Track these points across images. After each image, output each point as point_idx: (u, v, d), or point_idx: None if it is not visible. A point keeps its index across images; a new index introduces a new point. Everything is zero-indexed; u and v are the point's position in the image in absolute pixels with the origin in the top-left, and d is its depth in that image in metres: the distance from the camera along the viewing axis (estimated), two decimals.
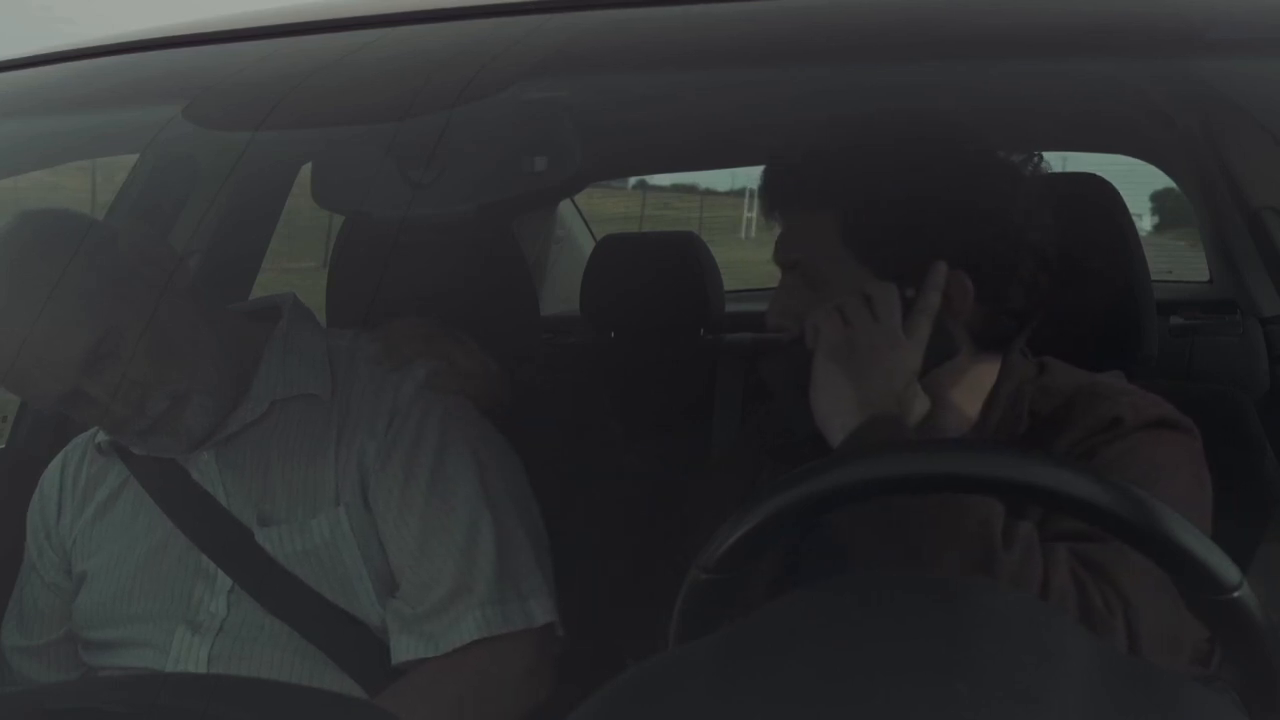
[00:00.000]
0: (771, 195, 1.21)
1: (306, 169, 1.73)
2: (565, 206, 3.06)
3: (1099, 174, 1.43)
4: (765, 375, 1.16)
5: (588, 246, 2.82)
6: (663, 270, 2.25)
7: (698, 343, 2.34)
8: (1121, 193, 1.40)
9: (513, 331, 1.62)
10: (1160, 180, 2.62)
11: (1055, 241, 1.15)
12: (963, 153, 1.16)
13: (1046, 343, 1.20)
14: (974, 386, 1.16)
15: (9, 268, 1.28)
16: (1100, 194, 1.39)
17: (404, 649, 1.25)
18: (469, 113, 1.22)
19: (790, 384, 1.12)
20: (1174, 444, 1.09)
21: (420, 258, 1.53)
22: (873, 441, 1.03)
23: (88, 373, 1.24)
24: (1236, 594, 0.76)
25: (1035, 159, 1.18)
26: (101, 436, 1.38)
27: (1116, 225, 1.38)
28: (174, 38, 1.40)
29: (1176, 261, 3.24)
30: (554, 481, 1.39)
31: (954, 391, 1.15)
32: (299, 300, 1.43)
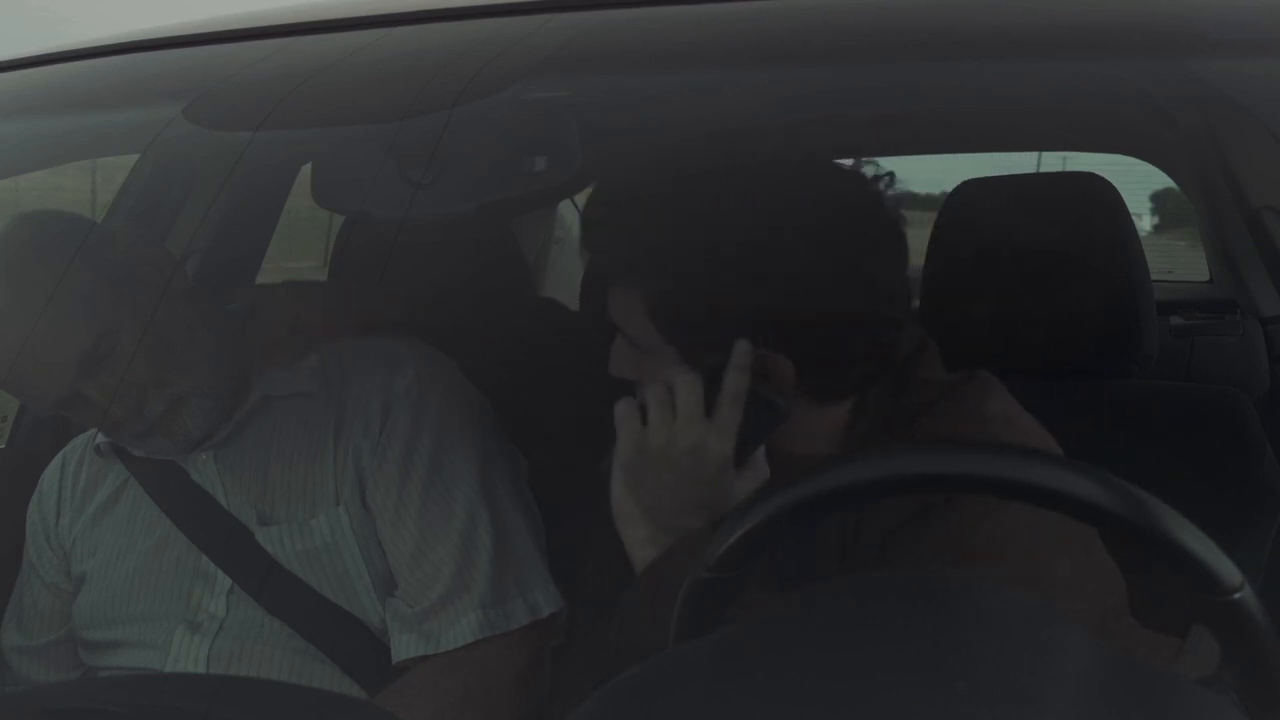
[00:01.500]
0: (591, 265, 1.16)
1: (306, 169, 1.73)
2: (565, 206, 3.06)
3: (1099, 174, 1.43)
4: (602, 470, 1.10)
5: None
6: None
7: None
8: (1121, 193, 1.40)
9: (512, 330, 1.62)
10: (1160, 180, 2.62)
11: (909, 282, 1.09)
12: (786, 204, 1.07)
13: (1047, 343, 1.20)
14: (821, 434, 1.10)
15: (7, 269, 1.28)
16: (1100, 194, 1.39)
17: (404, 648, 1.25)
18: (469, 113, 1.22)
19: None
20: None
21: (420, 258, 1.53)
22: (668, 580, 0.92)
23: (85, 375, 1.24)
24: (1237, 595, 0.76)
25: (884, 180, 1.09)
26: (100, 438, 1.38)
27: (1116, 225, 1.38)
28: (174, 38, 1.40)
29: (1176, 261, 3.24)
30: (553, 481, 1.39)
31: (796, 444, 1.07)
32: None
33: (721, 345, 1.03)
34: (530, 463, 1.40)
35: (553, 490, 1.37)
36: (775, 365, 1.03)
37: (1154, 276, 1.40)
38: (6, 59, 1.48)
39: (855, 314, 1.06)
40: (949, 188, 1.49)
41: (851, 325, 1.06)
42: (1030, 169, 2.18)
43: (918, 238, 1.26)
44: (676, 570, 0.90)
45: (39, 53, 1.46)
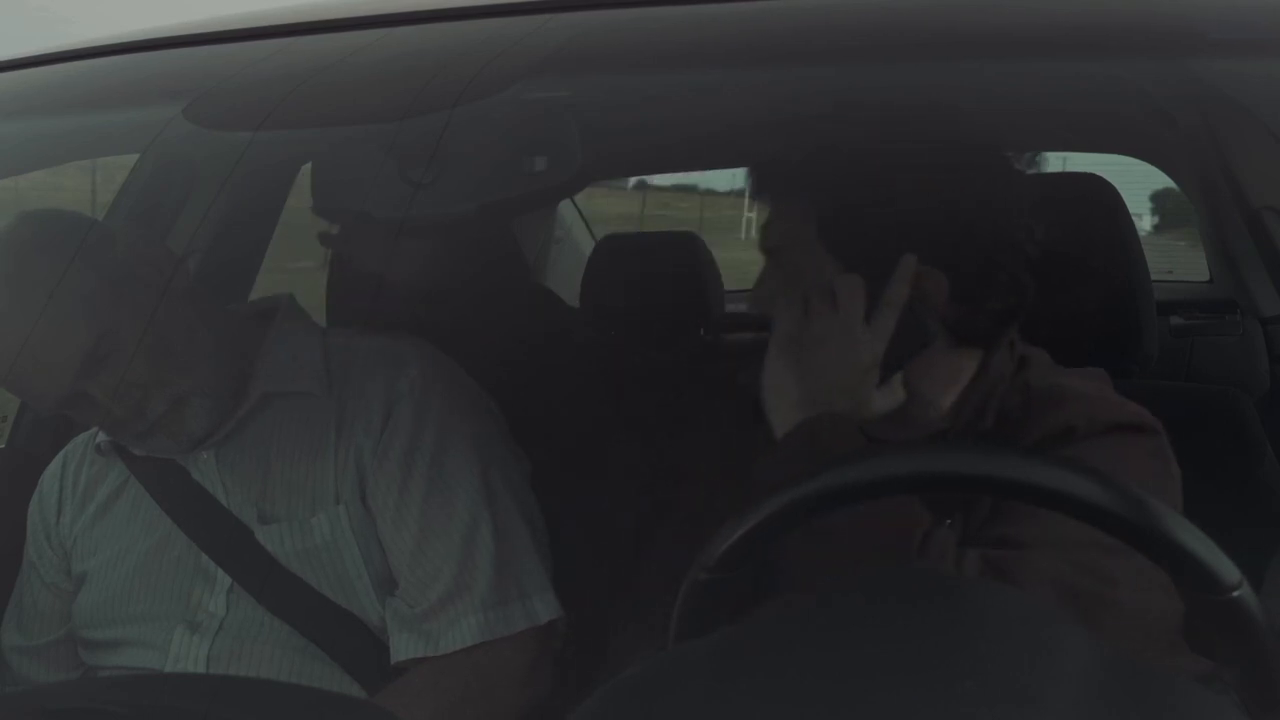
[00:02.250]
0: (756, 182, 1.22)
1: (306, 169, 1.73)
2: (565, 206, 3.06)
3: (1099, 174, 1.43)
4: (743, 378, 1.16)
5: (588, 246, 2.82)
6: (663, 270, 2.25)
7: (698, 343, 2.34)
8: (1121, 193, 1.40)
9: (512, 330, 1.62)
10: (1160, 180, 2.62)
11: (1041, 243, 1.15)
12: (948, 150, 1.16)
13: (1046, 343, 1.20)
14: (949, 380, 1.16)
15: (8, 269, 1.28)
16: (1100, 194, 1.39)
17: (403, 647, 1.25)
18: (469, 113, 1.22)
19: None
20: (1130, 446, 1.08)
21: (420, 258, 1.53)
22: (809, 445, 1.03)
23: (86, 374, 1.24)
24: (1236, 594, 0.76)
25: (1027, 158, 1.18)
26: (101, 437, 1.38)
27: (1116, 225, 1.38)
28: (174, 38, 1.40)
29: (1176, 261, 3.24)
30: (554, 481, 1.39)
31: (925, 383, 1.14)
32: (294, 300, 1.43)
33: (884, 262, 1.09)
34: (533, 463, 1.40)
35: (553, 493, 1.38)
36: (932, 282, 1.10)
37: (1154, 276, 1.40)
38: (6, 59, 1.48)
39: (1004, 245, 1.13)
40: None
41: (999, 256, 1.13)
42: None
43: None
44: (814, 438, 1.02)
45: (39, 53, 1.46)
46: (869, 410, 1.08)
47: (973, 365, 1.16)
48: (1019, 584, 0.97)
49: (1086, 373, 1.18)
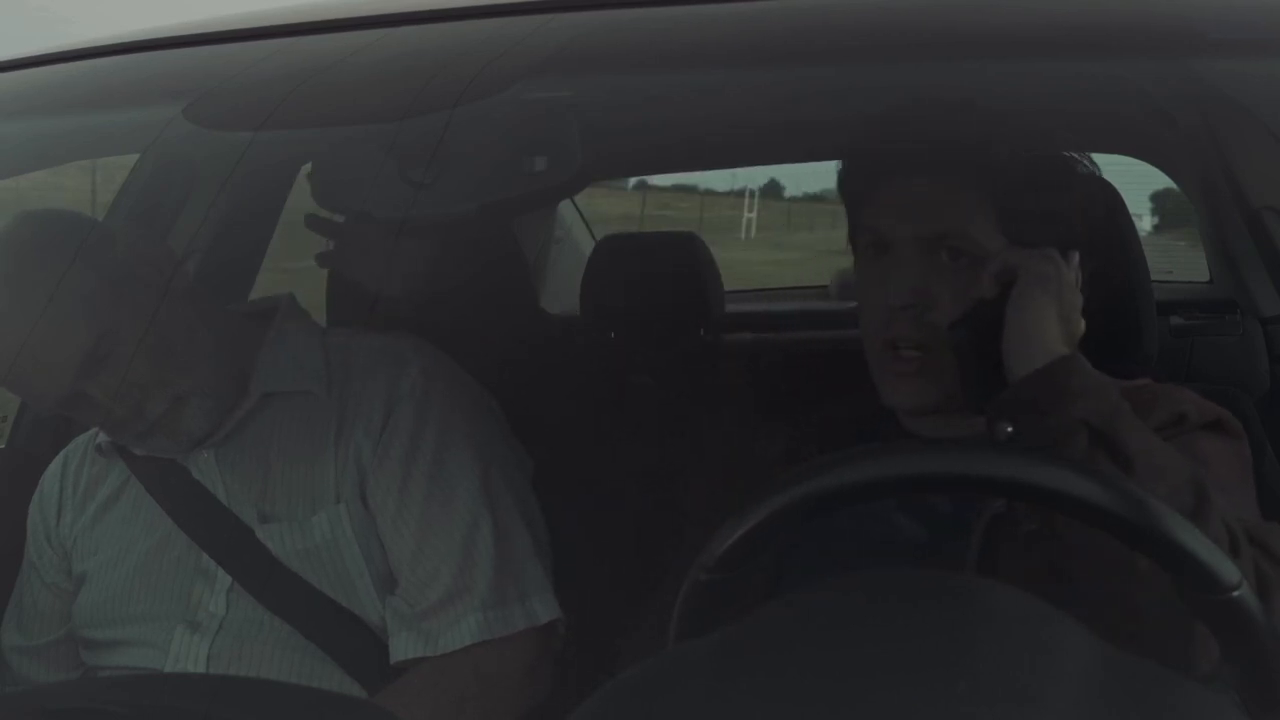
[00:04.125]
0: (903, 158, 1.18)
1: (306, 169, 1.73)
2: (565, 206, 3.06)
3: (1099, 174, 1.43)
4: (955, 336, 1.13)
5: (588, 246, 2.82)
6: (663, 270, 2.25)
7: (698, 343, 2.34)
8: (1121, 193, 1.40)
9: (512, 331, 1.62)
10: (1160, 180, 2.62)
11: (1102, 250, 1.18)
12: (1059, 149, 1.21)
13: None
14: None
15: (8, 269, 1.29)
16: (1100, 194, 1.39)
17: (403, 647, 1.25)
18: (470, 113, 1.22)
19: (982, 341, 1.09)
20: (1225, 444, 1.11)
21: (420, 258, 1.53)
22: (1063, 377, 1.02)
23: (86, 374, 1.24)
24: (1236, 593, 0.76)
25: (1092, 163, 1.22)
26: (101, 437, 1.38)
27: (1116, 225, 1.38)
28: (174, 38, 1.40)
29: (1176, 261, 3.23)
30: (554, 481, 1.39)
31: None
32: (294, 300, 1.43)
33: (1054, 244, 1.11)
34: (535, 462, 1.40)
35: (553, 493, 1.38)
36: (1079, 277, 1.12)
37: (1154, 276, 1.40)
38: (6, 59, 1.48)
39: (1092, 249, 1.16)
40: None
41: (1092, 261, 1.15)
42: None
43: None
44: (1072, 373, 1.02)
45: (39, 53, 1.46)
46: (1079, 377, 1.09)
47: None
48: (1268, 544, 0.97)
49: (1139, 380, 1.19)
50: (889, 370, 1.15)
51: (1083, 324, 1.10)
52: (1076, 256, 1.11)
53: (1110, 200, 1.37)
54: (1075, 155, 1.22)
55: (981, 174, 1.14)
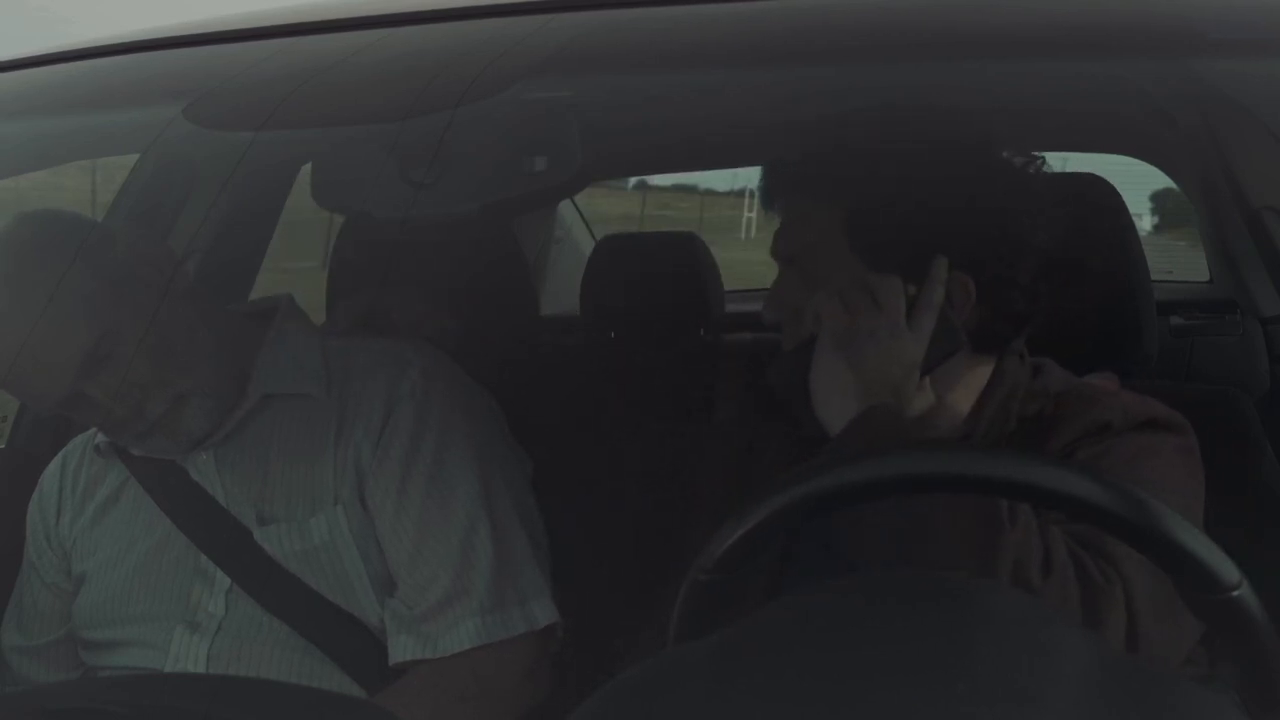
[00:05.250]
0: (773, 186, 1.21)
1: (306, 169, 1.73)
2: (565, 206, 3.06)
3: (1099, 174, 1.43)
4: (771, 377, 1.16)
5: (588, 246, 2.82)
6: (663, 270, 2.25)
7: (698, 343, 2.34)
8: (1121, 193, 1.40)
9: (512, 331, 1.62)
10: (1160, 180, 2.62)
11: (1057, 247, 1.15)
12: (969, 152, 1.17)
13: (1046, 343, 1.20)
14: (968, 386, 1.17)
15: (8, 269, 1.28)
16: (1100, 194, 1.39)
17: (402, 649, 1.25)
18: (470, 113, 1.22)
19: (794, 384, 1.12)
20: (1162, 442, 1.09)
21: (420, 258, 1.53)
22: (870, 432, 1.03)
23: (86, 375, 1.24)
24: (1236, 593, 0.76)
25: (1038, 161, 1.18)
26: (100, 438, 1.38)
27: (1116, 225, 1.38)
28: (174, 38, 1.40)
29: (1176, 261, 3.24)
30: (554, 481, 1.39)
31: (949, 390, 1.15)
32: (294, 301, 1.43)
33: (915, 263, 1.10)
34: (534, 463, 1.40)
35: (553, 493, 1.38)
36: (961, 286, 1.11)
37: (1154, 276, 1.40)
38: (6, 59, 1.48)
39: (1023, 250, 1.13)
40: None
41: (1019, 262, 1.13)
42: None
43: None
44: (874, 426, 1.03)
45: (39, 53, 1.46)
46: (910, 410, 1.09)
47: (986, 372, 1.17)
48: (1103, 549, 0.97)
49: (1099, 377, 1.19)
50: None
51: (921, 348, 1.09)
52: (942, 265, 1.10)
53: (1099, 199, 1.37)
54: (1009, 155, 1.18)
55: (838, 190, 1.15)
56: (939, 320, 1.10)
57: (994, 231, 1.13)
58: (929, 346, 1.10)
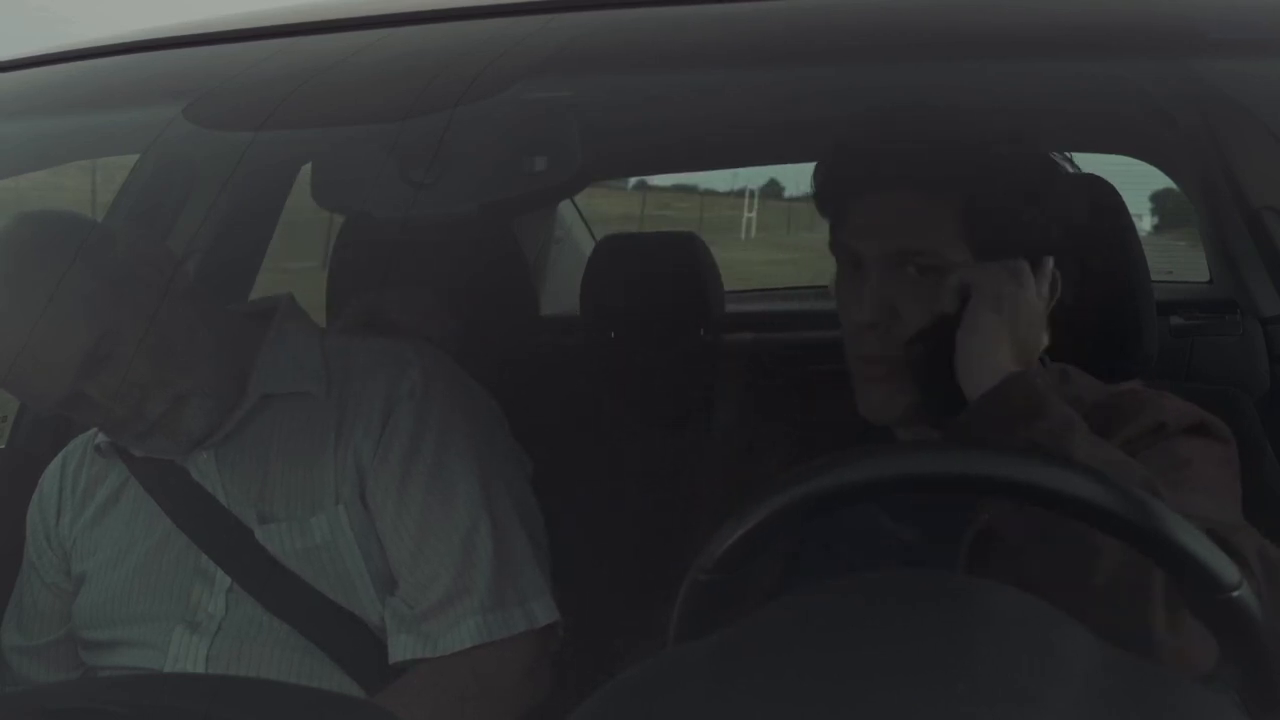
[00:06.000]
0: (870, 175, 1.17)
1: (306, 169, 1.73)
2: (565, 206, 3.06)
3: (1099, 174, 1.43)
4: (913, 356, 1.14)
5: (588, 246, 2.82)
6: (663, 270, 2.25)
7: (698, 343, 2.34)
8: (1121, 193, 1.40)
9: (512, 331, 1.62)
10: (1160, 180, 2.62)
11: (1081, 251, 1.17)
12: (1036, 152, 1.19)
13: (1046, 344, 1.20)
14: None
15: (8, 269, 1.28)
16: (1100, 194, 1.39)
17: (402, 648, 1.25)
18: (470, 113, 1.22)
19: (933, 357, 1.11)
20: (1208, 449, 1.10)
21: (420, 258, 1.53)
22: (1015, 397, 1.03)
23: (87, 375, 1.24)
24: (1236, 593, 0.76)
25: (1071, 163, 1.20)
26: (100, 438, 1.38)
27: (1117, 225, 1.38)
28: (174, 38, 1.40)
29: (1176, 261, 3.23)
30: (554, 481, 1.39)
31: None
32: (294, 300, 1.43)
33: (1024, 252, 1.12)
34: (535, 462, 1.40)
35: (553, 493, 1.38)
36: (1054, 285, 1.13)
37: (1154, 276, 1.40)
38: (6, 59, 1.48)
39: (1063, 249, 1.15)
40: None
41: (1063, 261, 1.15)
42: None
43: None
44: (1016, 394, 1.03)
45: (39, 53, 1.46)
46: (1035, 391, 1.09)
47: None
48: None
49: (1127, 385, 1.19)
50: (860, 383, 1.17)
51: (1046, 336, 1.12)
52: (1050, 263, 1.12)
53: (1100, 199, 1.37)
54: (1054, 156, 1.21)
55: (948, 185, 1.14)
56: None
57: (1060, 230, 1.15)
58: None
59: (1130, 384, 1.21)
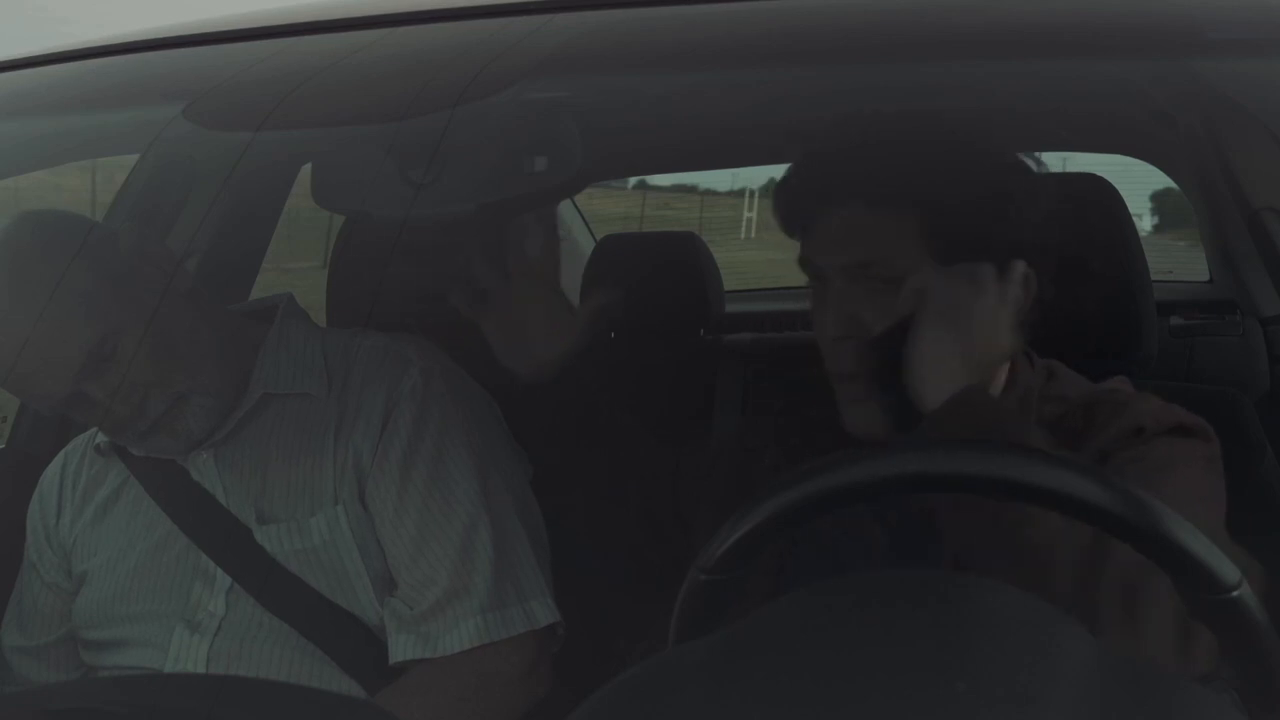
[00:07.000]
0: (809, 199, 1.17)
1: (306, 169, 1.72)
2: (565, 206, 3.06)
3: (1099, 174, 1.43)
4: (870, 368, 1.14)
5: (588, 246, 2.82)
6: (663, 270, 2.25)
7: (698, 343, 2.34)
8: (1121, 193, 1.40)
9: None
10: (1160, 180, 2.63)
11: (1060, 247, 1.15)
12: (1000, 154, 1.17)
13: (1047, 343, 1.20)
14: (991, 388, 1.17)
15: (8, 269, 1.28)
16: (1100, 194, 1.39)
17: (402, 648, 1.25)
18: (469, 113, 1.22)
19: (886, 364, 1.10)
20: (1190, 449, 1.09)
21: (420, 258, 1.53)
22: (967, 411, 1.02)
23: (88, 374, 1.24)
24: (1235, 593, 0.76)
25: (1039, 162, 1.19)
26: (101, 438, 1.38)
27: (1116, 225, 1.38)
28: (174, 38, 1.40)
29: (1176, 261, 3.24)
30: (553, 481, 1.39)
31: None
32: (294, 300, 1.43)
33: (989, 257, 1.10)
34: (535, 463, 1.40)
35: (553, 493, 1.37)
36: (1027, 289, 1.11)
37: (1154, 276, 1.40)
38: (6, 59, 1.48)
39: (1040, 250, 1.13)
40: None
41: (1040, 262, 1.13)
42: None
43: None
44: (974, 405, 1.03)
45: (39, 53, 1.46)
46: (991, 403, 1.09)
47: (1003, 375, 1.17)
48: None
49: (1113, 382, 1.19)
50: (841, 403, 1.16)
51: (1015, 338, 1.10)
52: (1020, 265, 1.10)
53: (1099, 199, 1.37)
54: (1022, 157, 1.18)
55: (905, 195, 1.13)
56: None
57: (1029, 231, 1.13)
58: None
59: (1114, 381, 1.20)
